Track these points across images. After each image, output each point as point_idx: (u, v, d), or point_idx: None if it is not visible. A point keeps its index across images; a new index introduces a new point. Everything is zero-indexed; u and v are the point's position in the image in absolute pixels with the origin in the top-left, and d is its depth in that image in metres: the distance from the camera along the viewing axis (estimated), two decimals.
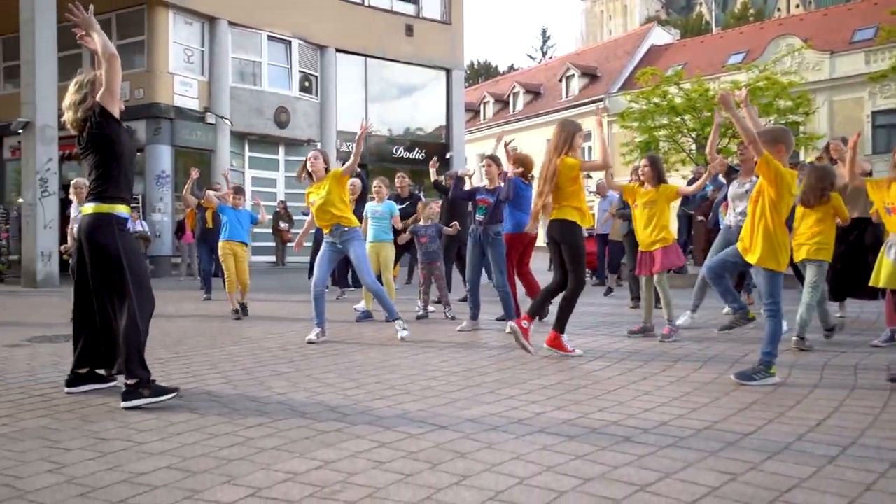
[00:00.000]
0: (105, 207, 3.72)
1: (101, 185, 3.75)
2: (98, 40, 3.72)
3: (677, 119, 22.90)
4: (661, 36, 40.05)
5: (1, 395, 3.94)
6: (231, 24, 18.33)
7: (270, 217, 18.52)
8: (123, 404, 3.57)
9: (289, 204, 18.70)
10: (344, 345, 5.83)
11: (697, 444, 2.92)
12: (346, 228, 6.02)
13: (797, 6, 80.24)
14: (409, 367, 4.74)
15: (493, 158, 6.94)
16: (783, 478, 2.51)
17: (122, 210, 3.78)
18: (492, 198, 6.66)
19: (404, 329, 6.01)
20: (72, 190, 8.03)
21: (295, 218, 18.43)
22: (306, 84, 20.34)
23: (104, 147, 3.74)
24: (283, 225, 18.36)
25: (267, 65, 19.30)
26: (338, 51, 20.80)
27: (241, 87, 18.76)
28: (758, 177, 6.41)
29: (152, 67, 17.10)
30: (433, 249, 7.64)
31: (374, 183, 7.74)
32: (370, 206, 7.75)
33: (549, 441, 2.97)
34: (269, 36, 19.23)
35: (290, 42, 19.65)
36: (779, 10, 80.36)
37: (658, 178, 5.96)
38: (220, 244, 8.28)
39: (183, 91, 17.51)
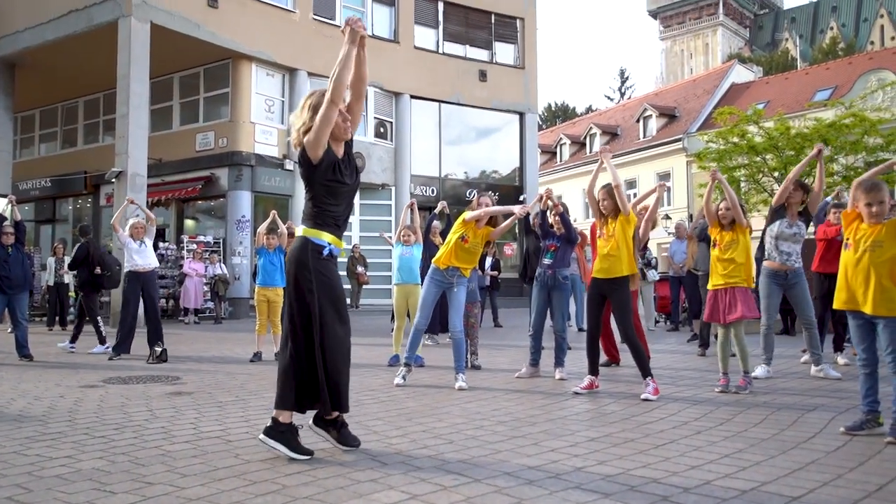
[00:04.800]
0: (304, 231, 3.68)
1: (305, 210, 3.75)
2: (336, 71, 3.48)
3: (757, 159, 22.22)
4: (742, 74, 39.21)
5: (66, 435, 4.15)
6: (310, 74, 19.11)
7: (346, 260, 18.98)
8: (261, 437, 3.61)
9: (363, 248, 19.07)
10: (399, 390, 5.87)
11: None
12: (462, 276, 6.19)
13: (892, 38, 77.13)
14: (458, 416, 4.72)
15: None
16: None
17: (315, 235, 3.64)
18: (559, 242, 6.62)
19: (464, 381, 6.00)
20: (129, 230, 8.64)
21: (369, 261, 18.79)
22: (381, 130, 20.91)
23: (304, 179, 3.68)
24: (359, 269, 18.71)
25: None
26: (412, 97, 21.34)
27: None
28: (804, 221, 6.28)
29: (235, 118, 17.99)
30: (471, 290, 7.42)
31: (403, 231, 7.81)
32: (401, 250, 7.79)
33: (583, 498, 2.90)
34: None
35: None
36: (871, 43, 77.36)
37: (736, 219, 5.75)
38: (256, 290, 8.52)
39: (263, 139, 18.32)
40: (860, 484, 3.10)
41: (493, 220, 6.21)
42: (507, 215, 6.26)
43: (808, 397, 5.34)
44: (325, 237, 3.64)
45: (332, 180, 3.63)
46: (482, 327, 12.08)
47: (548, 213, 6.66)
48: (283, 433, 3.60)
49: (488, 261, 13.53)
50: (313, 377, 3.62)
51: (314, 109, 3.59)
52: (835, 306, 4.30)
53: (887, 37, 79.01)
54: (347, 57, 3.49)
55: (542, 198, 6.58)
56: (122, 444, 3.93)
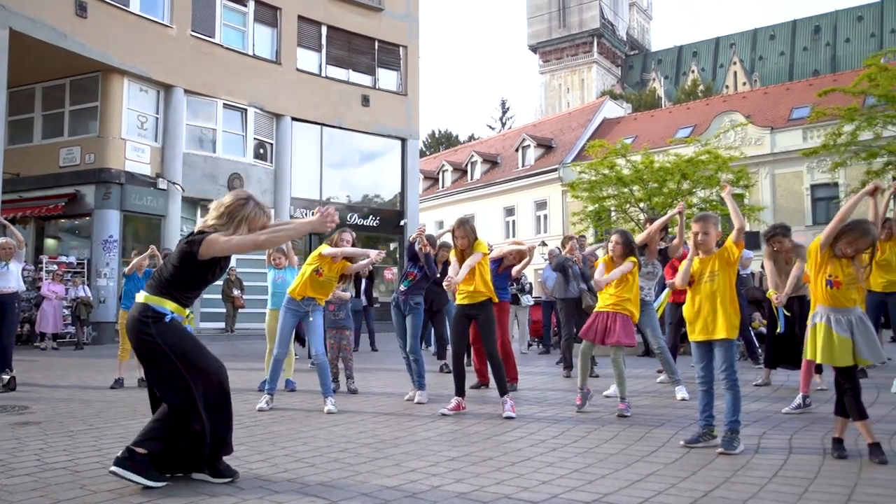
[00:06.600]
0: (147, 298, 3.63)
1: (158, 278, 3.70)
2: (281, 235, 3.93)
3: (625, 190, 23.59)
4: (613, 109, 41.53)
5: None
6: (187, 91, 18.56)
7: (221, 283, 18.40)
8: (113, 468, 3.45)
9: (239, 271, 18.57)
10: (265, 415, 5.78)
11: None
12: (317, 304, 6.34)
13: (744, 84, 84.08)
14: (323, 440, 4.73)
15: (429, 239, 7.04)
16: None
17: (157, 302, 3.61)
18: (419, 272, 6.77)
19: (333, 404, 5.99)
20: None
21: (246, 284, 18.31)
22: (261, 151, 20.55)
23: (178, 260, 3.66)
24: (235, 292, 18.18)
25: (222, 132, 19.50)
26: (294, 119, 21.13)
27: (194, 153, 18.87)
28: (661, 261, 6.84)
29: (104, 133, 17.14)
30: (342, 317, 7.57)
31: (274, 255, 7.76)
32: (273, 274, 7.75)
33: None
34: (224, 104, 19.49)
35: (245, 110, 19.93)
36: (727, 87, 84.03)
37: (629, 252, 5.96)
38: (120, 314, 8.42)
39: (135, 157, 17.54)
40: (689, 491, 3.38)
41: (349, 257, 6.42)
42: (364, 256, 6.52)
43: (658, 414, 5.72)
44: (169, 305, 3.62)
45: (202, 278, 3.73)
46: (359, 351, 12.07)
47: (416, 245, 6.88)
48: (137, 462, 3.48)
49: (363, 283, 13.64)
50: (192, 440, 3.56)
51: (231, 218, 3.71)
52: (692, 339, 4.60)
53: (739, 82, 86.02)
54: (298, 232, 3.93)
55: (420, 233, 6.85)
56: None
